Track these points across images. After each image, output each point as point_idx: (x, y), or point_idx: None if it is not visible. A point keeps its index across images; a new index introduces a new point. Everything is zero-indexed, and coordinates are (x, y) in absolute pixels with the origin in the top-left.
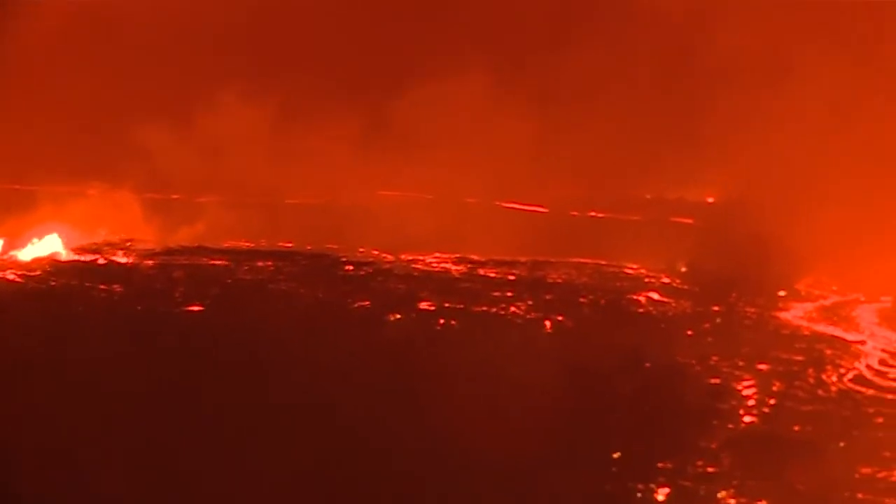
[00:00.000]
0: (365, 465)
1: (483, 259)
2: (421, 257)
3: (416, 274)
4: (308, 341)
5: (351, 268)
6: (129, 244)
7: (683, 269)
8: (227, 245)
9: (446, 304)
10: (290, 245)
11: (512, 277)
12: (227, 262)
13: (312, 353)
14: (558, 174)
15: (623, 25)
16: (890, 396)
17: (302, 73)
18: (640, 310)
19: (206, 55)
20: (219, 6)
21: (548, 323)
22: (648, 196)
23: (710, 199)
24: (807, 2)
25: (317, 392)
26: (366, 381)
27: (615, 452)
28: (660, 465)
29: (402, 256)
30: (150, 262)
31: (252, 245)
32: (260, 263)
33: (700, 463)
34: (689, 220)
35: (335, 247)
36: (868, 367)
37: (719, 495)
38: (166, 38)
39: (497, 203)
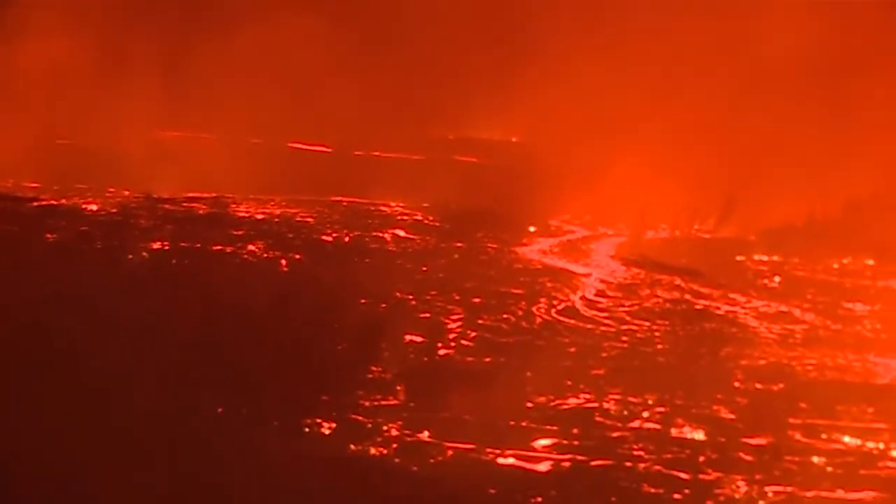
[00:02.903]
0: (81, 399)
1: (237, 198)
2: (172, 197)
3: (159, 213)
4: (34, 281)
5: (94, 208)
6: None
7: (444, 207)
8: None
9: (182, 244)
10: (35, 185)
11: (261, 216)
12: None
13: (37, 294)
14: (353, 115)
15: None
16: (589, 327)
17: (97, 9)
18: (382, 247)
19: None
20: None
21: (284, 262)
22: (451, 137)
23: (514, 139)
24: None
25: (37, 332)
26: (90, 321)
27: (296, 387)
28: (329, 398)
29: (154, 196)
30: None
31: None
32: None
33: (378, 396)
34: (473, 159)
35: (83, 186)
36: (582, 298)
37: (384, 427)
38: None
39: (284, 143)
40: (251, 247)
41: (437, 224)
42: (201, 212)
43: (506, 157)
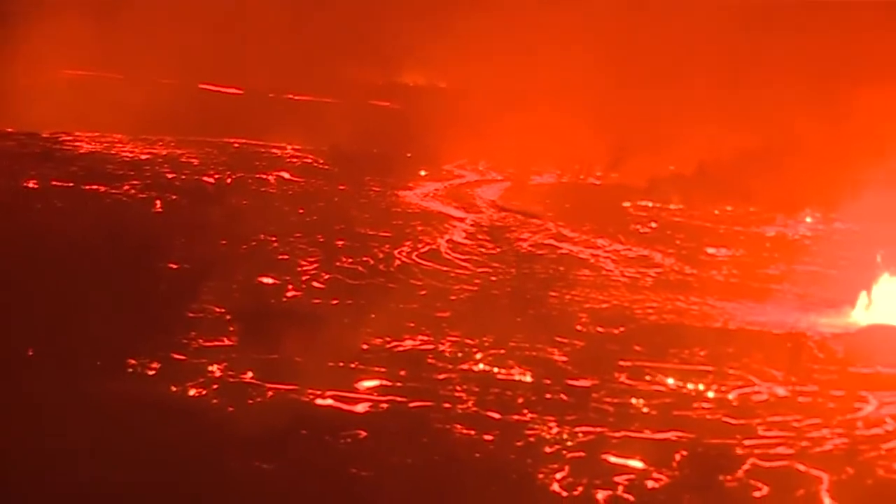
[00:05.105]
0: None
1: (125, 138)
2: (56, 135)
3: (39, 151)
4: None
5: None
6: None
7: (338, 150)
8: None
9: (54, 182)
10: None
11: (145, 157)
12: None
13: None
14: (278, 58)
15: None
16: (445, 269)
17: None
18: (263, 188)
19: None
20: None
21: (159, 202)
22: (380, 82)
23: (442, 85)
24: None
25: None
26: None
27: (128, 328)
28: (162, 339)
29: (40, 134)
30: None
31: None
32: None
33: (212, 337)
34: (387, 104)
35: None
36: (449, 241)
37: (209, 368)
38: None
39: (194, 85)
40: (126, 186)
41: (326, 167)
42: (82, 151)
43: (421, 103)
